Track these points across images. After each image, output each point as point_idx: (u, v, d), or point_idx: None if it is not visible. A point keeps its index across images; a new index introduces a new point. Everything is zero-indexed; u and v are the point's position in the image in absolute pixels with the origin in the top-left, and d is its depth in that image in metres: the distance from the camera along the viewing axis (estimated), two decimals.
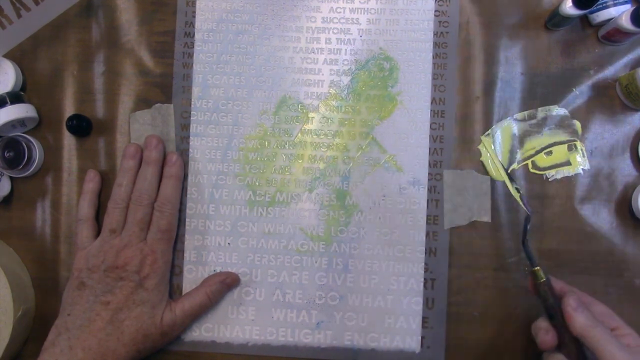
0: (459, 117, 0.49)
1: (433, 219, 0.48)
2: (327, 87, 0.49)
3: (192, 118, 0.49)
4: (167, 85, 0.49)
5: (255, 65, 0.49)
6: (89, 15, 0.50)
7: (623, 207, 0.48)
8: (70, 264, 0.48)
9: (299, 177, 0.48)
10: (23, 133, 0.49)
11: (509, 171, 0.48)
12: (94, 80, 0.50)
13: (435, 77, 0.49)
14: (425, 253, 0.48)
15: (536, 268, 0.41)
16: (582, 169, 0.48)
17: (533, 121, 0.49)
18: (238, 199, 0.48)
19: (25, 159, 0.47)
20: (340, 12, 0.49)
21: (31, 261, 0.49)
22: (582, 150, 0.48)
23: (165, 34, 0.50)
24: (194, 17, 0.49)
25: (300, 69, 0.49)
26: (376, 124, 0.48)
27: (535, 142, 0.48)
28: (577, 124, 0.48)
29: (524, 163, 0.48)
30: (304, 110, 0.49)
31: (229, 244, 0.48)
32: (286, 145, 0.49)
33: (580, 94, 0.49)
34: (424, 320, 0.47)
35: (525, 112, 0.49)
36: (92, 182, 0.47)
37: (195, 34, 0.49)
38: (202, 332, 0.47)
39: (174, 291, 0.48)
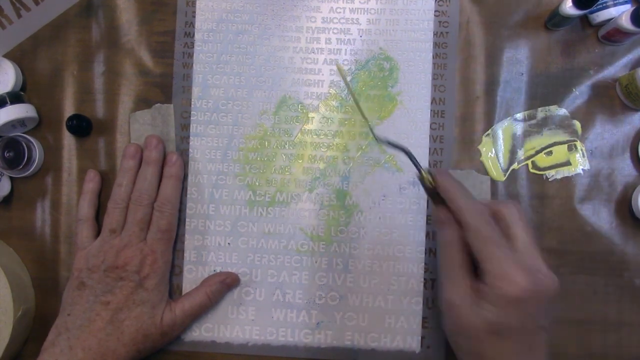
0: (459, 117, 0.49)
1: None
2: (327, 87, 0.49)
3: (192, 118, 0.49)
4: (167, 85, 0.49)
5: (255, 65, 0.49)
6: (89, 15, 0.50)
7: (623, 207, 0.48)
8: (70, 264, 0.48)
9: (299, 177, 0.48)
10: (23, 133, 0.49)
11: (508, 171, 0.48)
12: (94, 80, 0.50)
13: (435, 77, 0.49)
14: (425, 253, 0.48)
15: (424, 175, 0.39)
16: (582, 169, 0.48)
17: (533, 121, 0.49)
18: (238, 199, 0.48)
19: (25, 159, 0.47)
20: (340, 12, 0.49)
21: (31, 261, 0.49)
22: (582, 150, 0.48)
23: (165, 34, 0.50)
24: (194, 17, 0.49)
25: (300, 69, 0.49)
26: (376, 124, 0.48)
27: (535, 142, 0.48)
28: (577, 124, 0.48)
29: (524, 163, 0.48)
30: (304, 110, 0.49)
31: (229, 244, 0.48)
32: (286, 145, 0.49)
33: (580, 94, 0.49)
34: (424, 320, 0.47)
35: (525, 112, 0.49)
36: (92, 182, 0.48)
37: (195, 34, 0.49)
38: (202, 332, 0.47)
39: (174, 291, 0.48)
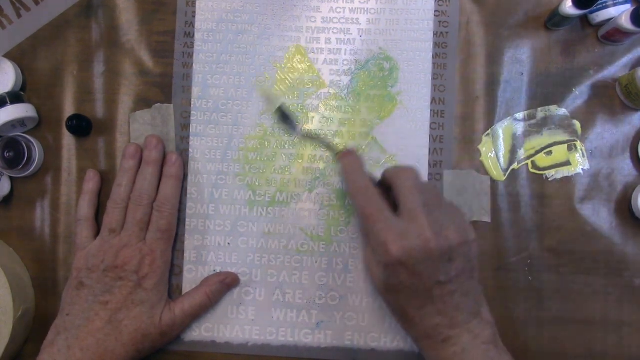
0: (459, 117, 0.49)
1: None
2: (327, 87, 0.49)
3: (192, 118, 0.49)
4: (167, 85, 0.49)
5: (255, 65, 0.49)
6: (89, 15, 0.50)
7: (623, 207, 0.48)
8: (70, 263, 0.48)
9: (299, 177, 0.48)
10: (23, 133, 0.49)
11: (508, 171, 0.48)
12: (94, 80, 0.50)
13: (435, 77, 0.49)
14: None
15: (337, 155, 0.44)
16: (582, 168, 0.48)
17: (533, 121, 0.49)
18: (238, 199, 0.48)
19: (25, 159, 0.47)
20: (340, 12, 0.49)
21: (31, 261, 0.49)
22: (582, 150, 0.48)
23: (165, 34, 0.50)
24: (194, 17, 0.49)
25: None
26: (376, 124, 0.48)
27: (535, 142, 0.48)
28: (577, 124, 0.48)
29: (524, 163, 0.48)
30: (304, 110, 0.49)
31: (229, 244, 0.48)
32: (286, 145, 0.49)
33: (580, 94, 0.49)
34: None
35: (525, 112, 0.49)
36: (91, 182, 0.47)
37: (195, 34, 0.49)
38: (202, 332, 0.47)
39: (173, 291, 0.48)
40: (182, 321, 0.45)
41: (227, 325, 0.47)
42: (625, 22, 0.44)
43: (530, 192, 0.48)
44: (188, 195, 0.48)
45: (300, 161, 0.48)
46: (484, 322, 0.38)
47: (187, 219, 0.48)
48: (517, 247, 0.48)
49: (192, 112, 0.49)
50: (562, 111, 0.49)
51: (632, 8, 0.44)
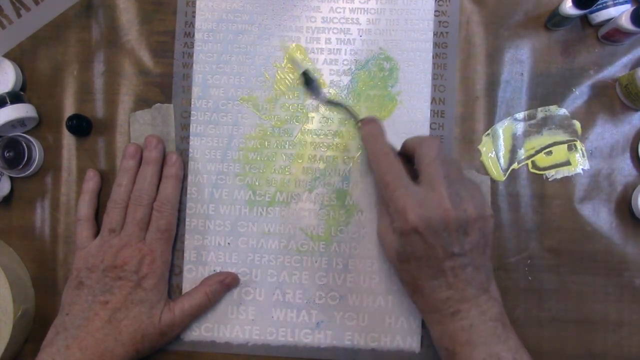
0: (459, 117, 0.49)
1: None
2: (327, 87, 0.49)
3: (192, 118, 0.49)
4: (167, 85, 0.49)
5: (255, 65, 0.49)
6: (89, 15, 0.50)
7: (623, 207, 0.48)
8: (69, 263, 0.48)
9: (299, 177, 0.48)
10: (23, 133, 0.49)
11: (508, 171, 0.48)
12: (94, 80, 0.50)
13: (435, 77, 0.49)
14: None
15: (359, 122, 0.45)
16: (582, 168, 0.48)
17: (533, 121, 0.49)
18: (238, 198, 0.48)
19: (25, 159, 0.47)
20: (340, 12, 0.49)
21: (31, 261, 0.49)
22: (582, 150, 0.48)
23: (165, 34, 0.50)
24: (194, 17, 0.49)
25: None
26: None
27: (535, 142, 0.48)
28: (577, 124, 0.48)
29: (524, 163, 0.48)
30: (304, 110, 0.49)
31: (228, 243, 0.48)
32: (286, 145, 0.49)
33: (580, 94, 0.49)
34: (424, 320, 0.47)
35: (525, 112, 0.49)
36: (91, 182, 0.48)
37: (195, 34, 0.49)
38: (202, 332, 0.47)
39: (173, 291, 0.48)
40: (182, 321, 0.45)
41: (227, 325, 0.47)
42: (625, 22, 0.44)
43: (530, 192, 0.48)
44: (188, 195, 0.48)
45: (300, 161, 0.48)
46: (492, 298, 0.38)
47: (187, 219, 0.48)
48: (517, 247, 0.48)
49: (192, 112, 0.49)
50: (562, 111, 0.49)
51: (632, 8, 0.44)
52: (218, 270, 0.48)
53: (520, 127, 0.49)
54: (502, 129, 0.49)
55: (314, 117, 0.49)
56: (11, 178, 0.49)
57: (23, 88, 0.49)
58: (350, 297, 0.47)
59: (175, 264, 0.48)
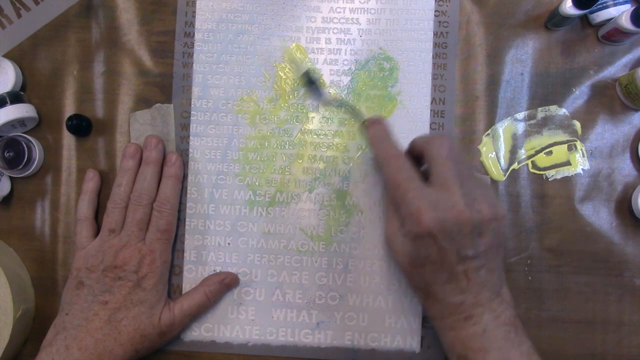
0: (459, 117, 0.49)
1: None
2: (327, 87, 0.49)
3: (192, 118, 0.49)
4: (167, 85, 0.49)
5: (255, 65, 0.49)
6: (89, 15, 0.50)
7: (623, 207, 0.48)
8: (69, 263, 0.48)
9: (299, 177, 0.48)
10: (23, 133, 0.49)
11: (509, 171, 0.48)
12: (94, 80, 0.50)
13: (435, 77, 0.49)
14: None
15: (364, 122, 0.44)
16: (582, 168, 0.48)
17: (533, 121, 0.49)
18: (238, 199, 0.48)
19: (25, 159, 0.47)
20: (340, 12, 0.49)
21: (31, 261, 0.49)
22: (582, 150, 0.48)
23: (165, 34, 0.50)
24: (194, 17, 0.49)
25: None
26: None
27: (535, 142, 0.48)
28: (577, 124, 0.48)
29: (524, 163, 0.48)
30: (304, 110, 0.49)
31: (228, 243, 0.48)
32: (286, 145, 0.49)
33: (580, 94, 0.49)
34: (424, 319, 0.47)
35: (525, 112, 0.49)
36: (91, 182, 0.48)
37: (195, 34, 0.49)
38: (202, 332, 0.47)
39: (173, 291, 0.48)
40: (181, 321, 0.45)
41: (227, 325, 0.47)
42: (625, 22, 0.44)
43: (530, 192, 0.48)
44: (188, 195, 0.48)
45: (300, 161, 0.48)
46: (505, 302, 0.37)
47: (187, 219, 0.48)
48: (517, 247, 0.48)
49: (192, 112, 0.49)
50: (562, 111, 0.49)
51: (632, 8, 0.44)
52: (218, 270, 0.48)
53: (520, 127, 0.49)
54: (502, 129, 0.49)
55: (314, 117, 0.49)
56: (11, 178, 0.49)
57: (23, 88, 0.49)
58: (350, 297, 0.47)
59: (175, 264, 0.48)
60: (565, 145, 0.48)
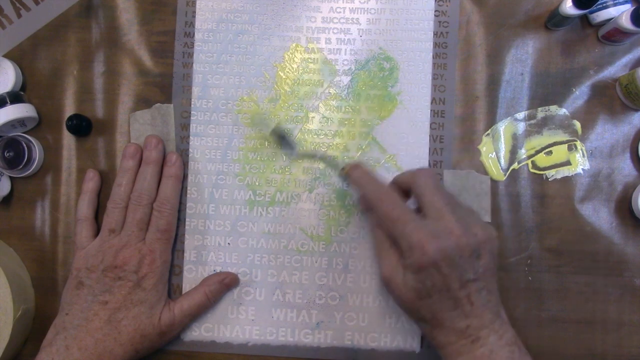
0: (459, 117, 0.49)
1: None
2: (327, 87, 0.49)
3: (192, 118, 0.49)
4: (167, 85, 0.49)
5: (255, 65, 0.49)
6: (89, 15, 0.50)
7: (623, 207, 0.48)
8: (69, 263, 0.48)
9: (298, 177, 0.48)
10: (23, 133, 0.49)
11: (509, 171, 0.48)
12: (94, 80, 0.50)
13: (435, 77, 0.49)
14: None
15: (344, 171, 0.43)
16: (582, 168, 0.48)
17: (533, 121, 0.49)
18: (238, 198, 0.48)
19: (25, 159, 0.47)
20: (340, 12, 0.49)
21: (31, 261, 0.49)
22: (582, 150, 0.48)
23: (165, 34, 0.50)
24: (194, 17, 0.49)
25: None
26: (376, 124, 0.48)
27: (535, 142, 0.48)
28: (577, 124, 0.48)
29: (524, 163, 0.48)
30: (304, 110, 0.49)
31: (229, 243, 0.48)
32: None
33: (580, 94, 0.49)
34: None
35: (525, 112, 0.49)
36: (91, 182, 0.48)
37: (195, 34, 0.49)
38: (202, 332, 0.47)
39: (173, 291, 0.48)
40: (181, 321, 0.45)
41: (227, 325, 0.47)
42: (625, 22, 0.44)
43: (530, 192, 0.48)
44: (188, 195, 0.48)
45: (300, 161, 0.48)
46: (505, 322, 0.38)
47: (187, 219, 0.48)
48: (517, 247, 0.48)
49: (192, 112, 0.49)
50: (562, 111, 0.49)
51: (632, 8, 0.44)
52: (218, 270, 0.48)
53: (520, 127, 0.48)
54: (502, 129, 0.49)
55: (314, 117, 0.49)
56: (11, 178, 0.49)
57: (23, 88, 0.49)
58: (350, 297, 0.47)
59: (175, 264, 0.48)
60: (566, 145, 0.48)
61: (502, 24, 0.49)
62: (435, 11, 0.49)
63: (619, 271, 0.47)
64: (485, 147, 0.48)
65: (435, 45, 0.49)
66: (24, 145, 0.47)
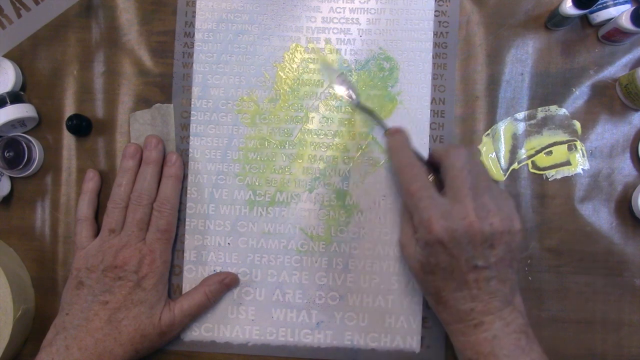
0: (459, 117, 0.49)
1: None
2: (327, 87, 0.49)
3: (192, 118, 0.49)
4: (167, 85, 0.49)
5: (255, 65, 0.49)
6: (89, 15, 0.50)
7: (623, 207, 0.48)
8: (69, 263, 0.48)
9: (298, 177, 0.48)
10: (23, 133, 0.49)
11: (509, 171, 0.48)
12: (94, 80, 0.50)
13: (435, 77, 0.49)
14: None
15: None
16: (582, 168, 0.48)
17: (533, 121, 0.49)
18: (238, 198, 0.48)
19: (25, 159, 0.47)
20: (340, 12, 0.49)
21: (31, 261, 0.49)
22: (582, 150, 0.48)
23: (165, 34, 0.50)
24: (194, 17, 0.49)
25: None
26: (376, 124, 0.48)
27: (535, 142, 0.48)
28: (577, 124, 0.48)
29: (524, 163, 0.48)
30: (304, 110, 0.49)
31: (229, 243, 0.48)
32: (286, 145, 0.49)
33: (580, 94, 0.49)
34: (424, 320, 0.47)
35: (525, 112, 0.49)
36: (91, 182, 0.48)
37: (195, 34, 0.49)
38: (202, 332, 0.47)
39: (173, 291, 0.48)
40: (181, 321, 0.45)
41: (227, 325, 0.47)
42: (625, 22, 0.44)
43: (530, 192, 0.48)
44: (188, 195, 0.48)
45: (300, 161, 0.48)
46: (516, 310, 0.38)
47: (187, 219, 0.48)
48: None
49: (192, 112, 0.49)
50: (562, 111, 0.49)
51: (632, 8, 0.44)
52: (218, 270, 0.48)
53: (520, 127, 0.48)
54: (502, 129, 0.49)
55: (314, 117, 0.49)
56: (11, 178, 0.49)
57: (23, 88, 0.49)
58: (350, 297, 0.47)
59: (175, 264, 0.48)
60: (565, 145, 0.48)
61: (502, 24, 0.49)
62: (435, 11, 0.49)
63: (619, 271, 0.47)
64: (485, 147, 0.48)
65: (435, 45, 0.49)
66: (24, 145, 0.47)
